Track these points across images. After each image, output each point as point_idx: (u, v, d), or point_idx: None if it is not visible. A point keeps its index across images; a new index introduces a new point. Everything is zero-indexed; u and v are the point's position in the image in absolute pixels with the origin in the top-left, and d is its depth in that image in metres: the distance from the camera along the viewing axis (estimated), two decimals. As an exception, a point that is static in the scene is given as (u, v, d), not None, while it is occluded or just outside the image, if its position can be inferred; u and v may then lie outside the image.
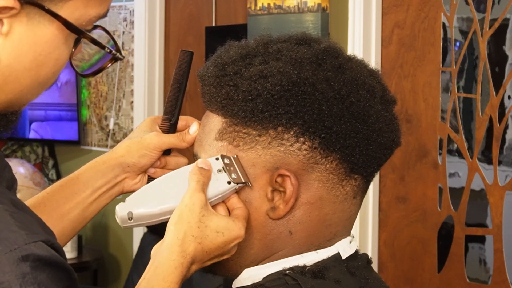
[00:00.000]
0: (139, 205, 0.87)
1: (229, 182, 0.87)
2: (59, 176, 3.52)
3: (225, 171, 0.87)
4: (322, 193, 0.88)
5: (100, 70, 0.83)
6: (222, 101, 0.88)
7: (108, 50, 0.80)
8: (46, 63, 0.71)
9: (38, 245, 0.63)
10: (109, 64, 0.83)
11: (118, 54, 0.81)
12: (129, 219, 0.87)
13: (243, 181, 0.86)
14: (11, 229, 0.63)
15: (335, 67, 0.87)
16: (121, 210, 0.88)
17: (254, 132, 0.87)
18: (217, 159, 0.88)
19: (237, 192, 0.88)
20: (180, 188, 0.87)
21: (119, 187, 1.03)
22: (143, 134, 1.00)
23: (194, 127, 0.98)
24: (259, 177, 0.87)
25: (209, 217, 0.84)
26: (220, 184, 0.87)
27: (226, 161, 0.87)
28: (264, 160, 0.87)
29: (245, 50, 0.90)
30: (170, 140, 1.00)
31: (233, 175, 0.86)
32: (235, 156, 0.88)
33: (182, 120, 1.03)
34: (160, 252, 0.83)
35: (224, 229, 0.84)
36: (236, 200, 0.88)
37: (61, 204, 1.00)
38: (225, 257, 0.87)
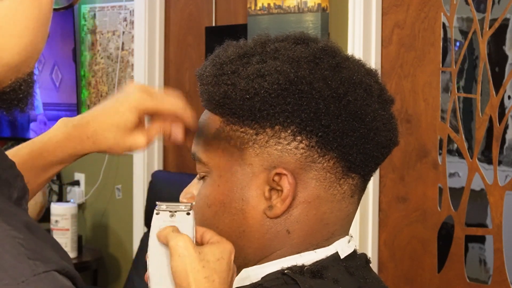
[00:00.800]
0: None
1: (187, 214, 0.86)
2: (58, 176, 3.52)
3: (175, 212, 0.87)
4: (319, 192, 0.88)
5: None
6: (220, 100, 0.88)
7: None
8: None
9: (49, 275, 0.59)
10: None
11: None
12: None
13: (191, 203, 0.87)
14: (19, 259, 0.59)
15: (333, 66, 0.87)
16: None
17: (251, 131, 0.87)
18: (157, 213, 0.87)
19: (233, 194, 0.89)
20: (165, 264, 0.85)
21: None
22: (129, 137, 0.95)
23: (178, 133, 0.94)
24: (256, 176, 0.87)
25: (204, 252, 0.83)
26: (184, 223, 0.86)
27: (164, 207, 0.87)
28: (262, 159, 0.87)
29: (243, 49, 0.90)
30: (155, 134, 0.96)
31: (182, 207, 0.87)
32: (157, 202, 0.88)
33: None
34: None
35: (221, 253, 0.83)
36: (199, 228, 0.87)
37: (31, 180, 0.94)
38: (234, 277, 0.85)
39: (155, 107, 0.94)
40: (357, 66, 0.90)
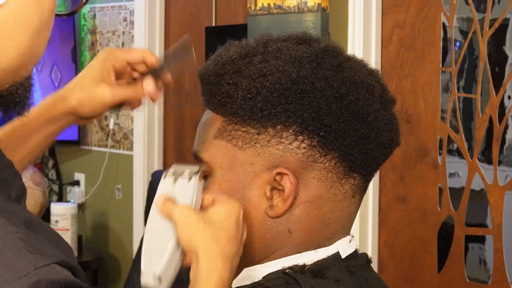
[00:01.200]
0: (155, 264, 0.85)
1: (190, 179, 0.87)
2: (59, 176, 3.52)
3: (178, 178, 0.88)
4: (321, 191, 0.88)
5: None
6: (222, 100, 0.88)
7: None
8: None
9: (50, 268, 0.61)
10: None
11: None
12: (159, 281, 0.85)
13: (197, 169, 0.88)
14: (21, 254, 0.61)
15: (335, 66, 0.87)
16: (148, 281, 0.85)
17: (253, 131, 0.87)
18: (163, 178, 0.89)
19: (234, 193, 0.89)
20: (166, 224, 0.86)
21: (73, 122, 1.05)
22: (95, 87, 0.99)
23: (149, 83, 0.98)
24: (258, 175, 0.87)
25: (207, 215, 0.84)
26: (184, 190, 0.87)
27: (171, 172, 0.89)
28: (263, 159, 0.87)
29: (245, 49, 0.90)
30: (123, 93, 1.00)
31: (186, 173, 0.88)
32: (173, 165, 0.90)
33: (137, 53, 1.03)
34: (196, 269, 0.82)
35: (227, 210, 0.84)
36: (208, 194, 0.88)
37: (13, 152, 0.97)
38: (245, 235, 0.86)
39: (123, 55, 1.01)
40: (359, 66, 0.90)
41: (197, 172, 0.88)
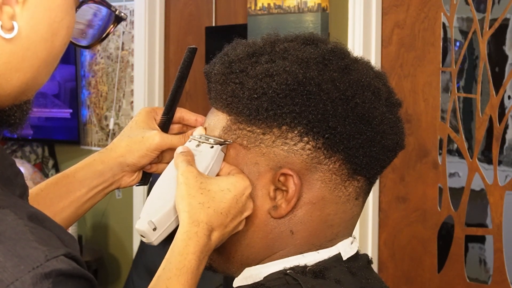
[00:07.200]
0: (154, 212, 0.88)
1: (211, 147, 0.89)
2: (59, 176, 3.52)
3: (202, 143, 0.90)
4: (324, 193, 0.88)
5: (106, 36, 0.84)
6: (228, 99, 0.88)
7: (114, 9, 0.81)
8: (59, 31, 0.71)
9: (59, 260, 0.64)
10: (113, 28, 0.83)
11: (121, 13, 0.82)
12: (153, 230, 0.87)
13: (223, 140, 0.89)
14: (32, 246, 0.63)
15: (341, 68, 0.87)
16: (142, 226, 0.88)
17: (258, 131, 0.87)
18: (190, 141, 0.91)
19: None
20: (175, 178, 0.89)
21: (116, 184, 1.03)
22: (143, 133, 0.99)
23: (198, 131, 0.96)
24: (262, 175, 0.87)
25: (207, 182, 0.86)
26: (204, 154, 0.89)
27: (198, 136, 0.91)
28: (268, 159, 0.87)
29: (252, 48, 0.90)
30: (172, 141, 0.99)
31: (211, 140, 0.89)
32: (204, 130, 0.91)
33: (179, 112, 1.03)
34: (177, 232, 0.84)
35: (229, 184, 0.85)
36: (228, 166, 0.89)
37: (54, 203, 0.99)
38: (245, 214, 0.87)
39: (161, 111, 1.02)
40: (366, 68, 0.90)
41: (222, 143, 0.88)
